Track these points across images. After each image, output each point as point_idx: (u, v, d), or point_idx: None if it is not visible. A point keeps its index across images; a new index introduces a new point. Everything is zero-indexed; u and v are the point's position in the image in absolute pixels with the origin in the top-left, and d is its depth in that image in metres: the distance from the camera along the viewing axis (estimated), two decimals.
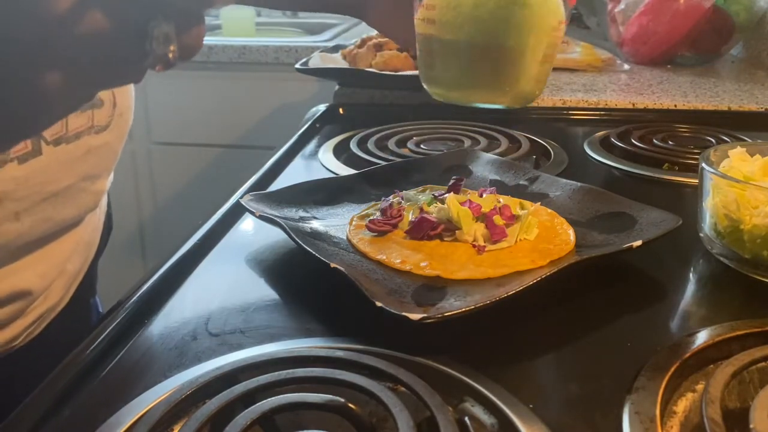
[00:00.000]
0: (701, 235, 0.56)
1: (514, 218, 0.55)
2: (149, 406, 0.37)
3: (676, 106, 1.04)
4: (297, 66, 1.13)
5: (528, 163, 0.81)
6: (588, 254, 0.51)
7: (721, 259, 0.54)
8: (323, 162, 0.81)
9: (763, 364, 0.40)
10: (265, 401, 0.36)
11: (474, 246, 0.53)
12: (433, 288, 0.48)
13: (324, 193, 0.64)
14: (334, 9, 0.79)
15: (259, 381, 0.37)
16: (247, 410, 0.35)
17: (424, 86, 0.58)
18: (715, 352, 0.42)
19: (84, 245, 0.69)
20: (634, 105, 1.05)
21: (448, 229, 0.55)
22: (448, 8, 0.52)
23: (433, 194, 0.57)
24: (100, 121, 0.61)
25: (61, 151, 0.57)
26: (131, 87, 0.66)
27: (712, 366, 0.42)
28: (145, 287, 0.52)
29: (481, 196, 0.58)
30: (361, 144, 0.86)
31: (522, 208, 0.56)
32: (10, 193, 0.54)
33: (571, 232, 0.56)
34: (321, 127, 0.99)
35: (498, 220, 0.54)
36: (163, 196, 1.94)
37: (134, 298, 0.50)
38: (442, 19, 0.53)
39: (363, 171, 0.70)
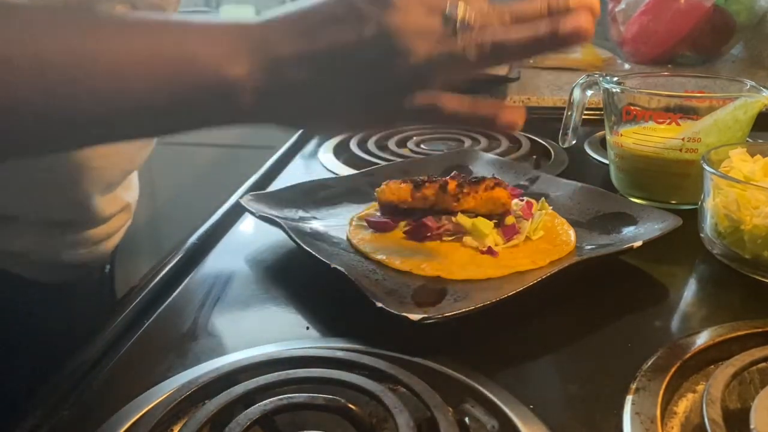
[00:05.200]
0: (702, 235, 0.56)
1: (531, 214, 0.55)
2: (149, 406, 0.37)
3: None
4: None
5: (528, 163, 0.81)
6: (588, 254, 0.51)
7: (722, 259, 0.54)
8: (323, 162, 0.81)
9: (763, 364, 0.40)
10: (265, 402, 0.36)
11: (482, 252, 0.52)
12: (433, 288, 0.48)
13: (324, 193, 0.64)
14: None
15: (259, 381, 0.37)
16: (247, 411, 0.35)
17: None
18: (716, 353, 0.42)
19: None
20: None
21: (447, 230, 0.55)
22: None
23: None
24: None
25: None
26: None
27: (712, 366, 0.41)
28: (145, 287, 0.52)
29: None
30: (361, 144, 0.86)
31: (541, 208, 0.57)
32: None
33: (571, 232, 0.56)
34: None
35: (509, 220, 0.54)
36: (163, 196, 1.94)
37: (134, 297, 0.50)
38: None
39: (363, 171, 0.70)
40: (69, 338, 0.47)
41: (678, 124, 0.65)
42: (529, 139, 0.87)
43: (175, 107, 0.38)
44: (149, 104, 0.37)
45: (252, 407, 0.36)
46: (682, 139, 0.63)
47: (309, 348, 0.43)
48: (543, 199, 0.58)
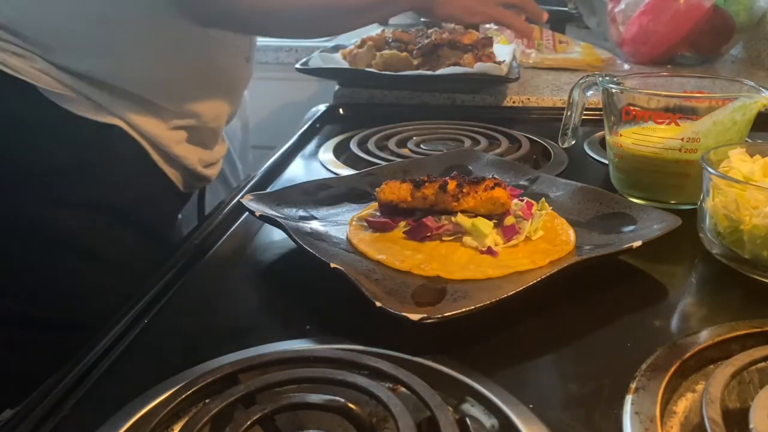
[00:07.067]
0: (701, 235, 0.56)
1: (531, 214, 0.55)
2: (149, 406, 0.37)
3: None
4: (297, 66, 1.13)
5: (528, 164, 0.81)
6: (588, 254, 0.51)
7: (721, 259, 0.54)
8: (323, 162, 0.81)
9: (762, 364, 0.40)
10: (265, 402, 0.36)
11: (481, 252, 0.53)
12: (433, 288, 0.48)
13: (324, 193, 0.64)
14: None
15: (259, 381, 0.37)
16: (247, 410, 0.35)
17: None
18: (715, 353, 0.42)
19: None
20: None
21: (447, 229, 0.55)
22: None
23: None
24: None
25: None
26: None
27: (712, 366, 0.42)
28: (145, 287, 0.52)
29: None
30: (361, 144, 0.86)
31: (541, 208, 0.57)
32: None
33: (571, 232, 0.56)
34: (321, 127, 0.99)
35: (509, 220, 0.54)
36: None
37: (135, 297, 0.50)
38: None
39: (363, 171, 0.70)
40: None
41: (677, 125, 0.65)
42: (529, 139, 0.87)
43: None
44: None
45: (252, 407, 0.36)
46: (682, 140, 0.63)
47: (309, 348, 0.43)
48: (543, 199, 0.59)
